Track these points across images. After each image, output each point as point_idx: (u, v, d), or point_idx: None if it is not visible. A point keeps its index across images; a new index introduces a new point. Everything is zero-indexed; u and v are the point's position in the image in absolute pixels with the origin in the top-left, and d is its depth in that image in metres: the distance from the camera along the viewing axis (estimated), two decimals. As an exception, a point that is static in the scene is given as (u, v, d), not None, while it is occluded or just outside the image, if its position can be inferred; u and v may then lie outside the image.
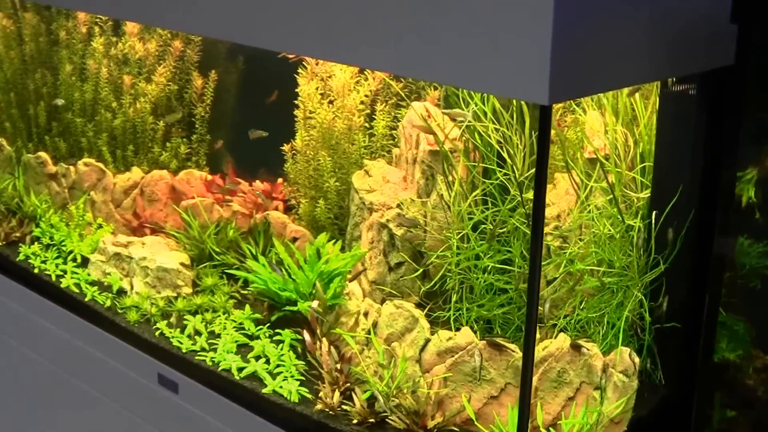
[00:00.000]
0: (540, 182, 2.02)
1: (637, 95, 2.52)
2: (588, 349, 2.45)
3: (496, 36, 1.81)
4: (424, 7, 1.91)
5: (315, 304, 2.76)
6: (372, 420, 2.55)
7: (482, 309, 2.62)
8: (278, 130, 3.23)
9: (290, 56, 3.02)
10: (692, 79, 2.36)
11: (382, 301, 2.76)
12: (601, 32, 1.88)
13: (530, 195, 2.51)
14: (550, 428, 2.41)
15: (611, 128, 2.51)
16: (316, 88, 3.04)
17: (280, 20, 2.19)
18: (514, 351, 2.48)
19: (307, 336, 2.74)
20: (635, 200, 2.53)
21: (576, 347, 2.45)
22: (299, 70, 3.08)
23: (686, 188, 2.45)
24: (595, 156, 2.49)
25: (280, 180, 3.29)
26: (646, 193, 2.52)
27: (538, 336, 2.51)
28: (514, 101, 2.55)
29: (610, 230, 2.48)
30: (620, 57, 1.96)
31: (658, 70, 2.12)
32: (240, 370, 2.76)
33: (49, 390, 3.36)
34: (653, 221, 2.49)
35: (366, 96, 2.99)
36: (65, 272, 3.30)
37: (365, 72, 3.03)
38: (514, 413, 2.43)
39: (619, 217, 2.49)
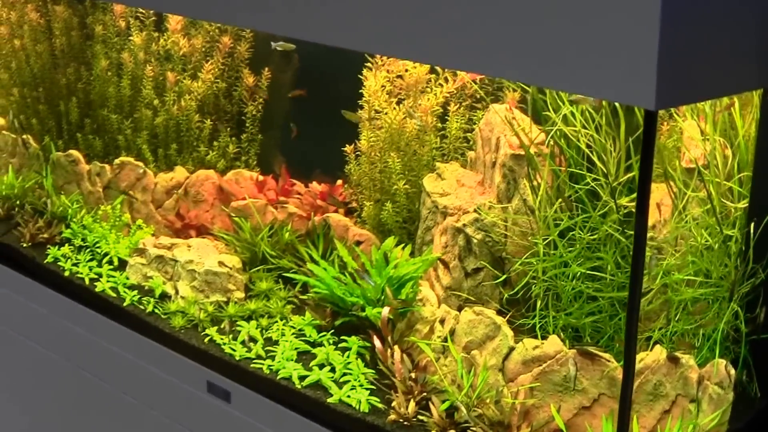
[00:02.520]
0: (644, 190, 1.97)
1: (736, 103, 2.47)
2: (686, 361, 2.37)
3: (604, 39, 1.78)
4: (530, 11, 1.88)
5: (386, 310, 2.65)
6: (452, 431, 2.43)
7: (570, 317, 2.51)
8: (334, 129, 3.14)
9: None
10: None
11: (459, 308, 2.66)
12: (710, 37, 1.85)
13: (623, 201, 2.43)
14: (649, 441, 2.31)
15: (711, 137, 2.44)
16: (383, 86, 2.95)
17: (371, 19, 2.14)
18: (608, 361, 2.38)
19: (377, 342, 2.62)
20: (732, 210, 2.47)
21: (673, 359, 2.36)
22: (367, 68, 2.99)
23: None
24: (692, 165, 2.43)
25: (339, 182, 3.18)
26: (743, 203, 2.46)
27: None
28: (605, 104, 2.47)
29: (708, 240, 2.41)
30: (728, 63, 1.94)
31: (765, 76, 2.08)
32: (302, 378, 2.64)
33: (88, 400, 3.21)
34: (752, 231, 2.44)
35: (444, 97, 2.90)
36: (100, 275, 3.16)
37: (438, 71, 2.95)
38: (608, 425, 2.33)
39: (717, 227, 2.41)
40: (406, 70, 2.93)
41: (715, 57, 1.89)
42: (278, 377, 2.67)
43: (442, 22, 2.01)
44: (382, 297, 2.75)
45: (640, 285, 2.04)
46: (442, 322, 2.64)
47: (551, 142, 2.56)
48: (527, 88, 2.62)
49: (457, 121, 2.92)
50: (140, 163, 3.35)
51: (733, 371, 2.45)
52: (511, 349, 2.49)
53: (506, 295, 2.63)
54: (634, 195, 2.37)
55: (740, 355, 2.54)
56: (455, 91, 2.93)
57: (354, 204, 3.14)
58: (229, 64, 3.36)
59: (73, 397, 3.26)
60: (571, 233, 2.52)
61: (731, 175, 2.45)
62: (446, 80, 2.93)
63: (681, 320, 2.40)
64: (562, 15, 1.83)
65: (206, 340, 2.85)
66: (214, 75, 3.33)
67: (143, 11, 3.44)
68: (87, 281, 3.16)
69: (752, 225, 2.45)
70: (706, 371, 2.40)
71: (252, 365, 2.73)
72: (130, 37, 3.45)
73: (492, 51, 1.96)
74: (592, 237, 2.47)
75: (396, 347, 2.64)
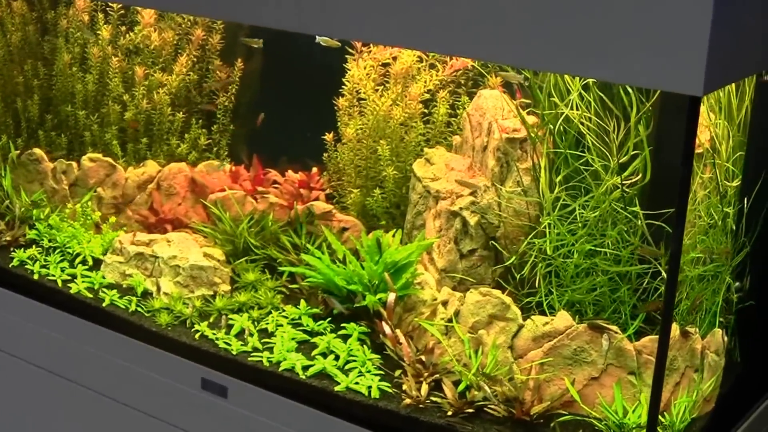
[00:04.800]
0: (686, 176, 2.03)
1: (732, 86, 2.52)
2: (693, 334, 2.41)
3: (650, 28, 1.83)
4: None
5: (392, 296, 2.62)
6: (469, 410, 2.42)
7: (575, 293, 2.52)
8: (306, 118, 3.10)
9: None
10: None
11: (453, 289, 2.65)
12: (743, 18, 1.92)
13: (615, 180, 2.46)
14: (665, 413, 2.34)
15: (721, 121, 2.48)
16: (368, 74, 2.92)
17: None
18: (616, 332, 2.41)
19: (386, 328, 2.59)
20: (729, 189, 2.52)
21: (684, 334, 2.40)
22: (350, 57, 2.96)
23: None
24: (700, 150, 2.47)
25: (315, 170, 3.13)
26: (737, 182, 2.53)
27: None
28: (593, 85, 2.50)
29: (714, 219, 2.45)
30: (752, 43, 2.02)
31: None
32: (306, 368, 2.59)
33: (73, 409, 3.08)
34: (745, 207, 2.53)
35: (435, 84, 2.89)
36: (74, 276, 3.04)
37: (424, 57, 2.93)
38: (618, 392, 2.35)
39: (719, 206, 2.46)
40: (394, 58, 2.90)
41: (743, 37, 1.95)
42: (280, 369, 2.60)
43: (472, 13, 2.04)
44: (378, 283, 2.70)
45: (678, 264, 2.09)
46: (444, 304, 2.61)
47: (551, 125, 2.57)
48: (527, 74, 2.62)
49: (443, 107, 2.89)
50: (109, 159, 3.23)
51: (726, 338, 2.51)
52: (521, 326, 2.49)
53: (517, 276, 2.64)
54: (627, 173, 2.42)
55: (729, 323, 2.59)
56: (445, 78, 2.91)
57: (332, 191, 3.09)
58: (200, 56, 3.27)
59: (56, 408, 3.12)
60: (574, 213, 2.53)
61: (729, 156, 2.50)
62: (432, 66, 2.91)
63: (689, 296, 2.42)
64: (605, 5, 1.87)
65: (197, 335, 2.77)
66: (187, 67, 3.24)
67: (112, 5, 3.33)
68: (60, 283, 3.04)
69: (746, 202, 2.53)
70: (707, 341, 2.47)
71: (250, 359, 2.66)
72: (96, 31, 3.33)
73: (532, 42, 1.98)
74: (594, 215, 2.49)
75: (398, 331, 2.61)
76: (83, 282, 3.03)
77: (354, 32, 2.33)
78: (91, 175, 3.27)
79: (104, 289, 2.98)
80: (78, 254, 3.14)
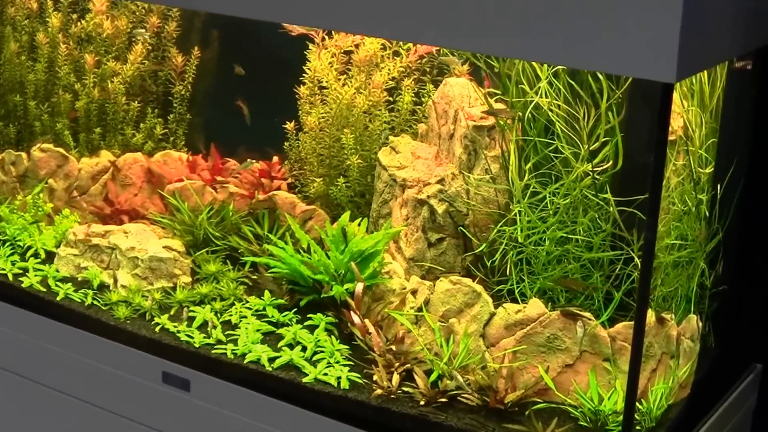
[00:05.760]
0: (659, 163, 2.02)
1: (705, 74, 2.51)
2: (669, 320, 2.40)
3: (620, 15, 1.82)
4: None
5: (360, 286, 2.56)
6: (442, 400, 2.38)
7: (547, 281, 2.49)
8: (265, 106, 3.03)
9: (291, 30, 2.85)
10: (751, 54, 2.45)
11: (422, 278, 2.62)
12: (712, 5, 1.90)
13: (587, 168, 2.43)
14: (642, 400, 2.32)
15: (694, 108, 2.47)
16: (330, 63, 2.86)
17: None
18: (589, 319, 2.38)
19: (355, 318, 2.53)
20: (702, 176, 2.51)
21: (660, 320, 2.39)
22: (310, 45, 2.90)
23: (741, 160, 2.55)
24: (672, 137, 2.45)
25: (275, 159, 3.06)
26: (709, 169, 2.52)
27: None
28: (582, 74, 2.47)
29: (689, 205, 2.44)
30: (724, 30, 2.01)
31: (750, 41, 2.19)
32: (272, 360, 2.52)
33: (28, 405, 2.97)
34: (718, 194, 2.52)
35: (398, 71, 2.84)
36: (26, 270, 2.93)
37: (387, 45, 2.89)
38: (593, 378, 2.33)
39: (692, 193, 2.45)
40: (356, 46, 2.85)
41: (715, 23, 1.94)
42: (245, 361, 2.53)
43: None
44: (345, 272, 2.65)
45: (652, 251, 2.08)
46: (413, 293, 2.56)
47: (519, 113, 2.53)
48: (494, 62, 2.58)
49: (408, 95, 2.85)
50: (61, 149, 3.13)
51: (700, 324, 2.50)
52: (492, 314, 2.46)
53: (488, 264, 2.61)
54: (598, 160, 2.40)
55: (704, 309, 2.58)
56: (409, 65, 2.86)
57: (293, 180, 3.03)
58: (156, 44, 3.18)
59: (10, 406, 3.01)
60: (545, 200, 2.50)
61: (702, 143, 2.49)
62: (396, 54, 2.87)
63: (664, 284, 2.41)
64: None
65: (157, 329, 2.69)
66: (142, 56, 3.15)
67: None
68: (10, 277, 2.93)
69: (719, 188, 2.52)
70: (682, 327, 2.46)
71: (213, 351, 2.58)
72: (46, 18, 3.23)
73: (499, 29, 1.96)
74: (565, 202, 2.46)
75: (367, 321, 2.55)
76: (36, 275, 2.91)
77: (317, 20, 2.29)
78: (41, 166, 3.16)
79: (58, 283, 2.87)
80: (29, 247, 3.02)
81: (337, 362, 2.52)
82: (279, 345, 2.59)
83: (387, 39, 2.85)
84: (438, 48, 2.82)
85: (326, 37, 2.89)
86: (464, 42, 2.09)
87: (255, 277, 2.83)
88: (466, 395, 2.39)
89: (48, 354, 2.86)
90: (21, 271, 2.96)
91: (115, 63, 3.19)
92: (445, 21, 2.03)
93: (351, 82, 2.88)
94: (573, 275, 2.49)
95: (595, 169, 2.43)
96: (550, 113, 2.47)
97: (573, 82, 2.44)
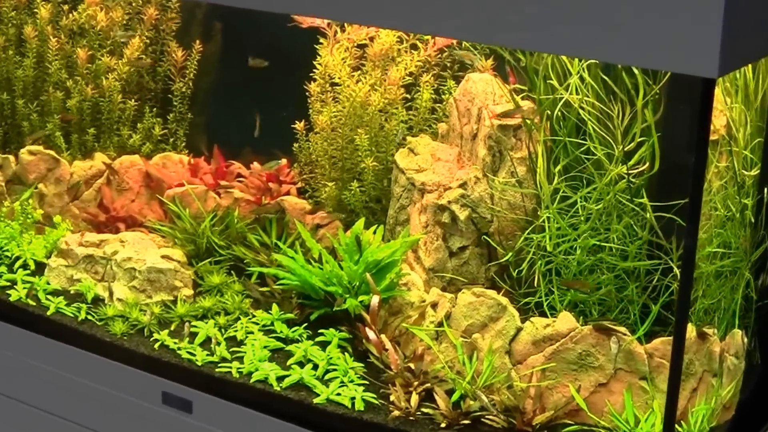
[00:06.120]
0: (700, 165, 2.07)
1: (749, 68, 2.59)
2: (711, 335, 2.48)
3: (658, 5, 1.88)
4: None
5: (376, 299, 2.67)
6: (465, 422, 2.48)
7: (579, 293, 2.60)
8: (273, 105, 3.14)
9: (301, 22, 2.96)
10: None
11: (443, 289, 2.72)
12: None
13: (621, 169, 2.53)
14: (682, 422, 2.41)
15: (738, 105, 2.55)
16: (343, 58, 2.98)
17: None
18: (624, 334, 2.48)
19: (371, 333, 2.65)
20: (747, 179, 2.59)
21: (701, 335, 2.47)
22: (321, 39, 3.03)
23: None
24: (715, 137, 2.54)
25: (283, 161, 3.18)
26: (755, 171, 2.61)
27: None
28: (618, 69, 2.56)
29: (732, 211, 2.53)
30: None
31: None
32: (280, 379, 2.64)
33: (17, 429, 3.08)
34: (765, 198, 2.61)
35: (416, 66, 2.96)
36: (14, 282, 3.05)
37: (406, 38, 3.00)
38: (629, 399, 2.43)
39: (736, 197, 2.54)
40: (371, 38, 2.96)
41: (760, 15, 2.01)
42: (251, 380, 2.65)
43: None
44: (359, 284, 2.76)
45: (693, 260, 2.14)
46: (433, 306, 2.67)
47: (548, 111, 2.63)
48: (520, 56, 2.68)
49: (427, 92, 2.96)
50: (51, 152, 3.26)
51: (746, 340, 2.58)
52: (519, 329, 2.55)
53: (514, 274, 2.70)
54: (633, 162, 2.49)
55: (749, 323, 2.67)
56: (428, 59, 2.97)
57: (303, 185, 3.14)
58: (154, 38, 3.31)
59: (1, 430, 3.13)
60: (575, 205, 2.60)
61: (747, 143, 2.58)
62: (414, 48, 2.98)
63: (706, 296, 2.49)
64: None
65: (157, 345, 2.80)
66: (139, 50, 3.27)
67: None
68: (-2, 290, 3.06)
69: (766, 192, 2.61)
70: (725, 343, 2.54)
71: (217, 370, 2.70)
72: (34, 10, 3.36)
73: (531, 21, 2.02)
74: (597, 208, 2.56)
75: (383, 337, 2.66)
76: (24, 288, 3.04)
77: (331, 12, 2.37)
78: (30, 169, 3.29)
79: (49, 296, 3.00)
80: (18, 257, 3.15)
81: (351, 381, 2.63)
82: (288, 363, 2.70)
83: (404, 31, 2.95)
84: (459, 41, 2.93)
85: (338, 30, 3.00)
86: (487, 34, 2.16)
87: (263, 289, 2.94)
88: (490, 417, 2.49)
89: (38, 373, 2.98)
90: (9, 284, 3.08)
91: (110, 58, 3.31)
92: (467, 11, 2.10)
93: (365, 78, 2.99)
94: (606, 286, 2.59)
95: (630, 172, 2.53)
96: (581, 111, 2.57)
97: (606, 78, 2.54)
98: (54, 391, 2.97)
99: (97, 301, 2.98)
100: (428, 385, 2.59)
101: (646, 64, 2.10)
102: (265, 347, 2.76)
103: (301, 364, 2.69)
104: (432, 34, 2.81)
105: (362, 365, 2.69)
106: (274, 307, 2.87)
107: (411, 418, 2.51)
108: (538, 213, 2.68)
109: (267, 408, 2.64)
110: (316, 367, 2.68)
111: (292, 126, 3.12)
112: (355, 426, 2.54)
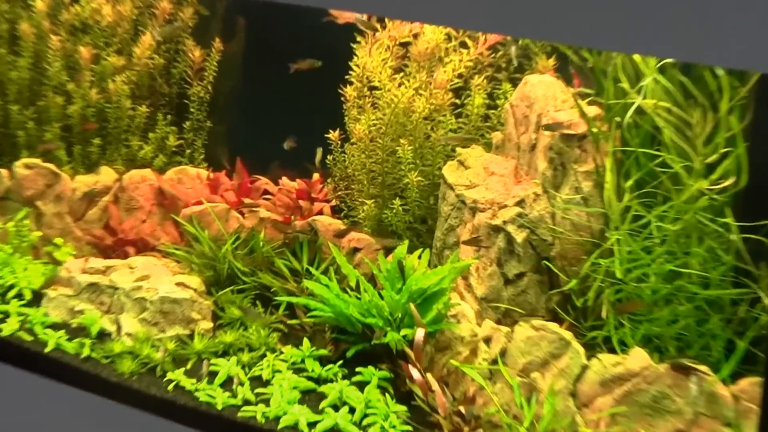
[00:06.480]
0: None
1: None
2: None
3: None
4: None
5: (420, 332, 2.66)
6: (523, 474, 2.47)
7: (653, 326, 2.58)
8: (302, 112, 3.15)
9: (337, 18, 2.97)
10: None
11: (497, 322, 2.70)
12: None
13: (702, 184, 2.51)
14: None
15: None
16: (383, 60, 2.98)
17: None
18: (706, 374, 2.45)
19: (416, 372, 2.64)
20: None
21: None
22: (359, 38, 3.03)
23: None
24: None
25: (316, 176, 3.18)
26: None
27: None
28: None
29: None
30: None
31: None
32: (312, 425, 2.63)
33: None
34: None
35: (466, 67, 2.95)
36: (7, 314, 3.06)
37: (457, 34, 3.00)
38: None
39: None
40: (415, 35, 2.96)
41: None
42: (279, 426, 2.64)
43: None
44: (402, 316, 2.75)
45: None
46: (487, 341, 2.66)
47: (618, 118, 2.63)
48: (587, 56, 2.68)
49: (479, 97, 2.96)
50: (50, 165, 3.27)
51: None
52: (584, 367, 2.53)
53: (578, 305, 2.68)
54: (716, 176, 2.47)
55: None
56: (479, 59, 2.98)
57: (337, 202, 3.15)
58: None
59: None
60: (649, 226, 2.58)
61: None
62: (464, 46, 2.97)
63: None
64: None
65: (170, 386, 2.80)
66: (151, 49, 3.30)
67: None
68: (-12, 324, 3.06)
69: None
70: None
71: (240, 414, 2.69)
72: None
73: (607, 18, 2.01)
74: (675, 229, 2.54)
75: (429, 376, 2.65)
76: (19, 320, 3.04)
77: (372, 6, 2.37)
78: (27, 185, 3.30)
79: (47, 330, 3.00)
80: (12, 286, 3.16)
81: (393, 427, 2.62)
82: (321, 406, 2.69)
83: (452, 27, 2.95)
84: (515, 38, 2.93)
85: (378, 26, 3.00)
86: (550, 31, 2.16)
87: (292, 322, 2.94)
88: (552, 468, 2.48)
89: (34, 416, 2.99)
90: (1, 316, 3.09)
91: (118, 58, 3.32)
92: (524, 3, 2.10)
93: (408, 81, 2.98)
94: (685, 319, 2.57)
95: (712, 187, 2.51)
96: (656, 118, 2.55)
97: (685, 80, 2.53)
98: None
99: (103, 335, 2.98)
100: (481, 431, 2.57)
101: (730, 64, 2.09)
102: (294, 388, 2.75)
103: (336, 407, 2.68)
104: (484, 30, 2.81)
105: (405, 408, 2.68)
106: (305, 341, 2.86)
107: (462, 469, 2.51)
108: (606, 235, 2.66)
109: (296, 457, 2.64)
110: (353, 410, 2.67)
111: (326, 136, 3.11)
112: (398, 479, 2.54)
